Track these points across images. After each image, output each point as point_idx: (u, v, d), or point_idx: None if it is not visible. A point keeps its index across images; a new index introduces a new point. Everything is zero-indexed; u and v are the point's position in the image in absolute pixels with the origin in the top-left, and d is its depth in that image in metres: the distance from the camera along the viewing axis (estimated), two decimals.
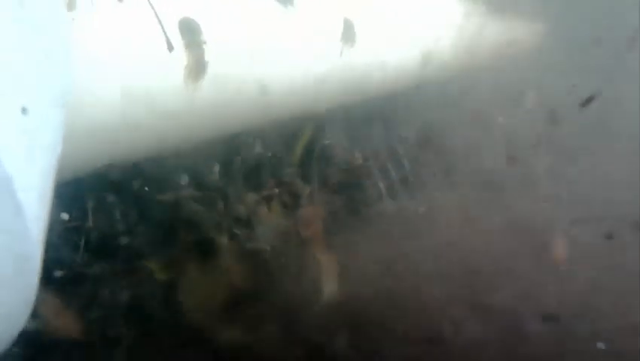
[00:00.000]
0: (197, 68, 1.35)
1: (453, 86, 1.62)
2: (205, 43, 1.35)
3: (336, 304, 1.43)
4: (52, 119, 0.79)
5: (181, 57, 1.32)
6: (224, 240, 1.50)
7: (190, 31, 1.34)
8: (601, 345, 1.35)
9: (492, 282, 1.41)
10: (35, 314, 0.87)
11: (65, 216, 1.37)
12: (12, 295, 0.72)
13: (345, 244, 1.49)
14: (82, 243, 1.43)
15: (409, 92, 1.57)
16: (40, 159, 0.74)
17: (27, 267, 0.73)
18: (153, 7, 1.28)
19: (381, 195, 1.56)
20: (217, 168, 1.53)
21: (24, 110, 0.70)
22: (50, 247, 0.89)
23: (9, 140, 0.68)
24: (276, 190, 1.53)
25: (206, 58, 1.35)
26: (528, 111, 1.60)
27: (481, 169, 1.56)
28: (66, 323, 1.35)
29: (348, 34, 1.50)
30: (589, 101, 1.52)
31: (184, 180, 1.50)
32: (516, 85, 1.60)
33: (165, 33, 1.28)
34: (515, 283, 1.38)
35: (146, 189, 1.48)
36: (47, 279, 0.88)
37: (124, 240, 1.46)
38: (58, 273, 1.38)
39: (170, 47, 1.29)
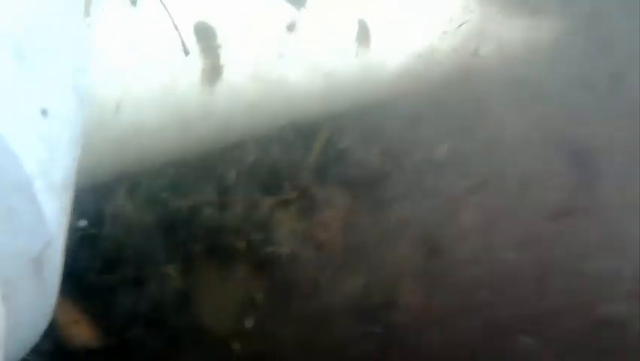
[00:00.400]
0: (213, 72, 1.35)
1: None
2: (220, 47, 1.35)
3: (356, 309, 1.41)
4: (71, 122, 0.78)
5: (196, 61, 1.32)
6: (241, 245, 1.49)
7: (205, 35, 1.34)
8: None
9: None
10: (51, 322, 0.86)
11: (82, 223, 1.37)
12: (32, 300, 0.71)
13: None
14: (99, 250, 1.42)
15: (429, 92, 1.56)
16: (60, 162, 0.73)
17: (47, 271, 0.72)
18: (168, 11, 1.28)
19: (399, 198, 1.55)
20: (233, 173, 1.52)
21: (44, 113, 0.69)
22: (68, 254, 0.88)
23: (29, 142, 0.67)
24: (294, 194, 1.52)
25: (222, 62, 1.35)
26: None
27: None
28: (82, 331, 1.35)
29: (363, 34, 1.49)
30: None
31: (201, 185, 1.49)
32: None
33: (181, 37, 1.28)
34: None
35: (163, 195, 1.48)
36: (63, 286, 0.87)
37: (141, 246, 1.45)
38: (74, 280, 1.37)
39: (186, 52, 1.29)
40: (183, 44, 1.29)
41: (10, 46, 0.67)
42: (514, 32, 1.71)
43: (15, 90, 0.66)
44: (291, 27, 1.45)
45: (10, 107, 0.65)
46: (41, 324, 0.77)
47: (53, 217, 0.71)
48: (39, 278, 0.71)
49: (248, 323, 1.44)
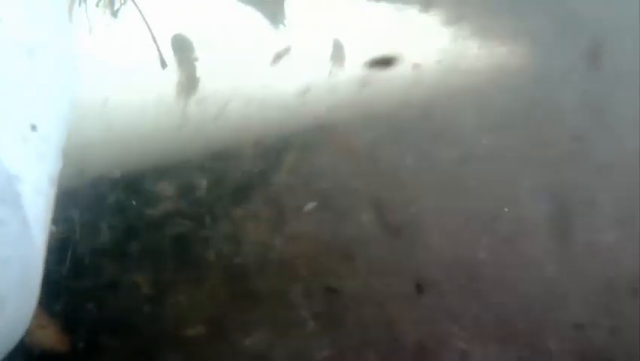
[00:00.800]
0: (189, 84, 1.37)
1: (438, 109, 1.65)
2: (197, 60, 1.37)
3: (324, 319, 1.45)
4: (57, 134, 0.80)
5: (173, 73, 1.34)
6: (210, 255, 1.51)
7: (182, 48, 1.36)
8: None
9: None
10: None
11: (52, 228, 1.37)
12: (16, 301, 0.73)
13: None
14: (69, 255, 1.43)
15: (396, 112, 1.61)
16: (45, 175, 0.76)
17: (31, 274, 0.74)
18: (147, 24, 1.30)
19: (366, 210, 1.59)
20: (204, 183, 1.55)
21: (33, 127, 0.72)
22: None
23: (19, 157, 0.69)
24: (264, 206, 1.55)
25: (198, 74, 1.37)
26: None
27: None
28: (51, 336, 1.35)
29: (338, 54, 1.54)
30: None
31: (172, 194, 1.51)
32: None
33: (159, 50, 1.30)
34: None
35: (133, 202, 1.49)
36: None
37: (111, 253, 1.46)
38: (43, 285, 1.37)
39: (163, 65, 1.31)
40: (160, 57, 1.31)
41: (1, 65, 0.69)
42: (483, 59, 1.77)
43: (6, 108, 0.68)
44: (268, 44, 1.49)
45: (3, 124, 0.67)
46: (20, 330, 0.79)
47: (37, 227, 0.73)
48: (23, 281, 0.73)
49: (217, 331, 1.46)
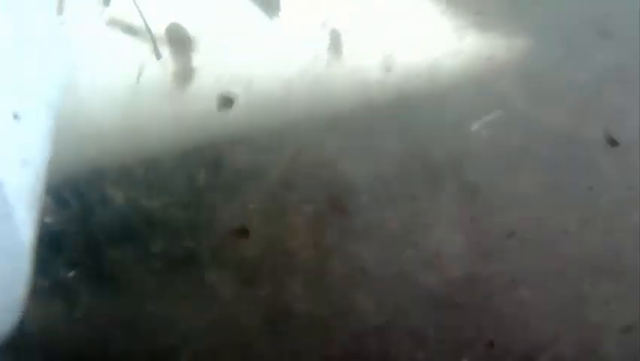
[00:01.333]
0: (184, 75, 1.36)
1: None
2: (192, 50, 1.36)
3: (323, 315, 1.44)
4: (42, 125, 0.79)
5: (168, 63, 1.33)
6: (209, 248, 1.50)
7: (177, 38, 1.35)
8: None
9: None
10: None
11: (47, 220, 1.37)
12: (1, 298, 0.72)
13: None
14: (64, 248, 1.42)
15: (390, 106, 1.59)
16: (31, 164, 0.75)
17: (17, 270, 0.73)
18: (141, 13, 1.29)
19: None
20: (202, 175, 1.53)
21: (16, 116, 0.70)
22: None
23: (1, 145, 0.68)
24: (263, 200, 1.54)
25: (193, 65, 1.36)
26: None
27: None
28: (47, 331, 1.35)
29: (335, 45, 1.52)
30: None
31: (170, 186, 1.50)
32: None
33: (153, 40, 1.29)
34: None
35: (132, 195, 1.48)
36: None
37: (108, 246, 1.45)
38: (39, 279, 1.37)
39: (158, 55, 1.30)
40: (155, 47, 1.30)
41: None
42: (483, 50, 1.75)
43: None
44: (263, 33, 1.47)
45: None
46: (7, 324, 0.78)
47: (22, 219, 0.72)
48: (8, 276, 0.72)
49: (217, 329, 1.46)
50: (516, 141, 1.44)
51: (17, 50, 0.71)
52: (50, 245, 1.38)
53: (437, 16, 1.64)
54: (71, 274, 1.43)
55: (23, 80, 0.72)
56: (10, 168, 0.67)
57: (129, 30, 1.29)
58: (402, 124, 1.59)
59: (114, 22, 1.26)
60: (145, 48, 1.29)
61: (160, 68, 1.33)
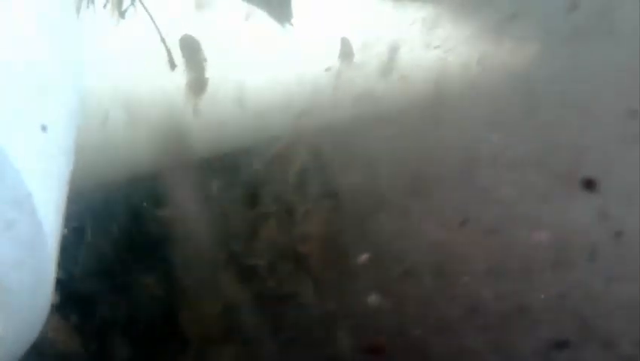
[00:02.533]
0: (198, 85, 1.37)
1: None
2: (205, 60, 1.37)
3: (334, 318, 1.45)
4: (67, 136, 0.80)
5: (182, 74, 1.34)
6: (221, 256, 1.51)
7: (190, 48, 1.36)
8: None
9: None
10: None
11: (64, 230, 1.37)
12: (28, 306, 0.73)
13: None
14: (80, 257, 1.43)
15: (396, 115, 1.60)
16: (56, 176, 0.76)
17: (43, 279, 0.74)
18: (156, 24, 1.30)
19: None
20: (215, 184, 1.54)
21: (44, 128, 0.72)
22: None
23: (30, 157, 0.69)
24: (274, 207, 1.55)
25: (207, 75, 1.37)
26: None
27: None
28: (64, 337, 1.35)
29: (346, 53, 1.53)
30: None
31: (184, 195, 1.51)
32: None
33: (168, 51, 1.30)
34: None
35: (144, 204, 1.49)
36: None
37: (122, 255, 1.46)
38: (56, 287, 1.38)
39: (172, 66, 1.31)
40: (170, 58, 1.31)
41: (11, 65, 0.69)
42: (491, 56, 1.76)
43: (17, 107, 0.68)
44: (275, 42, 1.48)
45: (13, 123, 0.67)
46: (32, 333, 0.79)
47: (49, 229, 0.73)
48: (35, 286, 0.73)
49: (228, 332, 1.46)
50: None
51: (46, 64, 0.73)
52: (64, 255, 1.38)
53: (448, 25, 1.66)
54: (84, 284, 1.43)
55: (50, 92, 0.73)
56: (38, 179, 0.68)
57: (144, 41, 1.30)
58: (411, 131, 1.60)
59: (129, 34, 1.28)
60: (160, 59, 1.30)
61: (174, 78, 1.34)
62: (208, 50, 1.37)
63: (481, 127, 1.60)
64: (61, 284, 1.37)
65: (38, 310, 0.77)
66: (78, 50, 0.93)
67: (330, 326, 1.44)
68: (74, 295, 1.39)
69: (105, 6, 1.24)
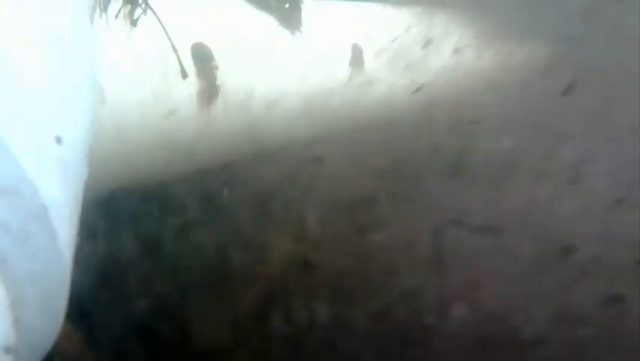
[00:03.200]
0: (210, 93, 1.37)
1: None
2: (217, 68, 1.37)
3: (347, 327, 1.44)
4: (81, 147, 0.80)
5: (193, 82, 1.34)
6: (233, 264, 1.51)
7: (202, 56, 1.36)
8: None
9: None
10: None
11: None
12: (43, 317, 0.73)
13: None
14: (92, 266, 1.43)
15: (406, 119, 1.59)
16: (71, 187, 0.75)
17: (59, 290, 0.74)
18: (167, 33, 1.30)
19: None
20: (226, 192, 1.54)
21: (59, 140, 0.71)
22: None
23: (45, 170, 0.69)
24: (285, 215, 1.54)
25: (218, 82, 1.37)
26: None
27: None
28: (76, 347, 1.35)
29: (357, 59, 1.53)
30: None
31: (194, 204, 1.51)
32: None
33: (179, 60, 1.30)
34: None
35: (155, 213, 1.49)
36: None
37: (134, 264, 1.46)
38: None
39: (184, 75, 1.31)
40: (181, 67, 1.31)
41: (26, 77, 0.69)
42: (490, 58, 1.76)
43: (32, 119, 0.68)
44: (288, 50, 1.48)
45: (29, 137, 0.67)
46: (46, 345, 0.78)
47: (64, 241, 0.72)
48: (51, 297, 0.73)
49: (238, 341, 1.45)
50: None
51: (60, 75, 0.72)
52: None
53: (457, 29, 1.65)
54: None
55: (65, 102, 0.73)
56: (53, 191, 0.68)
57: (156, 50, 1.30)
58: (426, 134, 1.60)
59: (140, 43, 1.28)
60: (172, 68, 1.30)
61: (186, 87, 1.34)
62: (219, 59, 1.37)
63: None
64: (72, 293, 1.38)
65: (53, 322, 0.76)
66: (91, 60, 0.93)
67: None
68: (85, 304, 1.39)
69: (116, 15, 1.25)
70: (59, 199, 0.70)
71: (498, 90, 1.71)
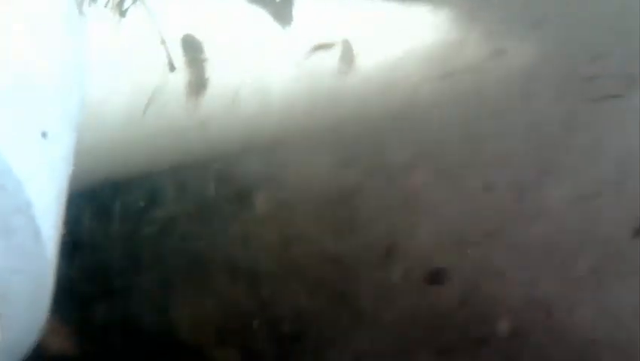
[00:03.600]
0: (198, 85, 1.36)
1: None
2: (206, 60, 1.36)
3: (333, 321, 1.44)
4: (67, 142, 0.79)
5: (182, 74, 1.33)
6: (218, 258, 1.50)
7: (191, 48, 1.35)
8: None
9: None
10: None
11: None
12: (26, 314, 0.73)
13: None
14: (75, 258, 1.42)
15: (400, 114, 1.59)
16: (56, 182, 0.75)
17: (42, 286, 0.74)
18: (156, 25, 1.29)
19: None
20: (212, 185, 1.54)
21: (44, 135, 0.71)
22: None
23: (30, 164, 0.68)
24: (271, 209, 1.54)
25: (207, 75, 1.36)
26: None
27: None
28: (61, 340, 1.34)
29: (347, 54, 1.52)
30: None
31: (179, 196, 1.50)
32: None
33: (167, 52, 1.28)
34: None
35: (141, 204, 1.48)
36: None
37: (119, 256, 1.45)
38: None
39: (172, 67, 1.30)
40: (169, 59, 1.30)
41: (11, 70, 0.68)
42: (486, 57, 1.76)
43: (18, 113, 0.67)
44: (275, 44, 1.47)
45: (14, 131, 0.66)
46: (31, 339, 0.78)
47: (48, 235, 0.72)
48: (33, 294, 0.72)
49: (224, 335, 1.45)
50: None
51: (46, 69, 0.71)
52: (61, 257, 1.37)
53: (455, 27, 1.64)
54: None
55: (50, 97, 0.72)
56: (38, 186, 0.67)
57: (144, 41, 1.29)
58: (410, 131, 1.59)
59: (129, 34, 1.26)
60: (160, 59, 1.29)
61: (174, 79, 1.33)
62: (209, 51, 1.36)
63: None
64: (57, 287, 1.37)
65: (37, 317, 0.76)
66: (79, 52, 0.92)
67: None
68: (70, 298, 1.38)
69: (106, 5, 1.23)
70: (43, 195, 0.70)
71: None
